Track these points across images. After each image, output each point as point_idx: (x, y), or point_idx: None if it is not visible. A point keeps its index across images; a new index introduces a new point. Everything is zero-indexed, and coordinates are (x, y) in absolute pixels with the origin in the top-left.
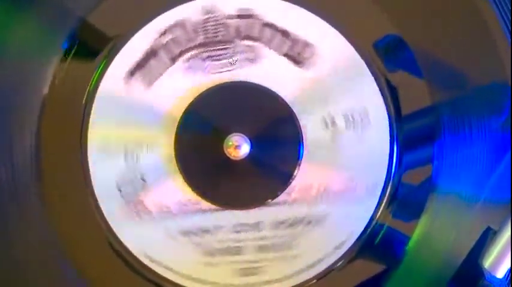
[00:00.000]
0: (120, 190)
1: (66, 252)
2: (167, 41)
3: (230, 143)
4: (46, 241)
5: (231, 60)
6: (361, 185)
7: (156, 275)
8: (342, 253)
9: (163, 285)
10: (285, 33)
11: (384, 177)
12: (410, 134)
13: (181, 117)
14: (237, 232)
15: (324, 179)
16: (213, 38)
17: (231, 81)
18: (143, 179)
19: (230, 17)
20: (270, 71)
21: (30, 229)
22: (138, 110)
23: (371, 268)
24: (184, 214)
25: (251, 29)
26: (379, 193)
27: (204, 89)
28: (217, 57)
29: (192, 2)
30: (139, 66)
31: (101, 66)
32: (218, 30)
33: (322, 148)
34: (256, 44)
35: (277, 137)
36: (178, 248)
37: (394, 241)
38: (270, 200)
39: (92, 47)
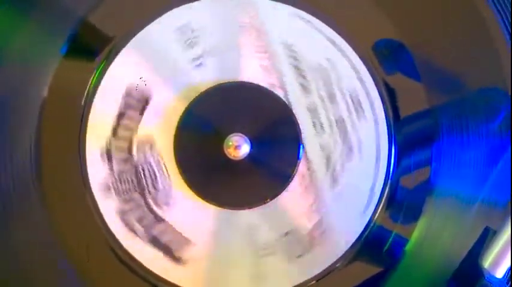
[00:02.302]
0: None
1: (66, 252)
2: None
3: (230, 143)
4: (46, 241)
5: None
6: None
7: (153, 275)
8: (341, 254)
9: (161, 286)
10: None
11: (383, 179)
12: (409, 137)
13: (181, 117)
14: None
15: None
16: None
17: (231, 82)
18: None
19: None
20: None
21: (30, 228)
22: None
23: (369, 269)
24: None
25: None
26: (377, 195)
27: (204, 89)
28: None
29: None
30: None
31: (101, 66)
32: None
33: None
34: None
35: (277, 137)
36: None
37: (393, 243)
38: (269, 201)
39: (91, 48)
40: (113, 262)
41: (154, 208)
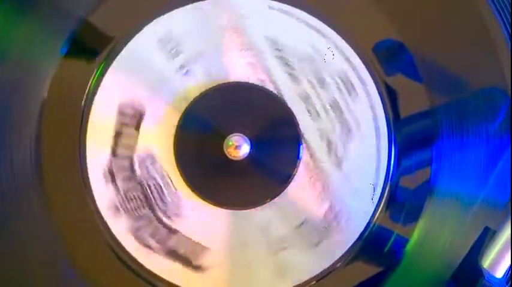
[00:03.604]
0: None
1: (66, 252)
2: None
3: (230, 143)
4: (46, 241)
5: None
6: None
7: (153, 275)
8: (341, 254)
9: (160, 286)
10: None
11: (383, 180)
12: (409, 137)
13: (181, 118)
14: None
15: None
16: None
17: (231, 82)
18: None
19: None
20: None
21: (30, 229)
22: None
23: (370, 269)
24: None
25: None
26: (378, 196)
27: (204, 89)
28: None
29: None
30: None
31: (101, 67)
32: None
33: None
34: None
35: (277, 137)
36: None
37: (393, 243)
38: (269, 201)
39: (91, 48)
40: (113, 262)
41: (164, 218)
